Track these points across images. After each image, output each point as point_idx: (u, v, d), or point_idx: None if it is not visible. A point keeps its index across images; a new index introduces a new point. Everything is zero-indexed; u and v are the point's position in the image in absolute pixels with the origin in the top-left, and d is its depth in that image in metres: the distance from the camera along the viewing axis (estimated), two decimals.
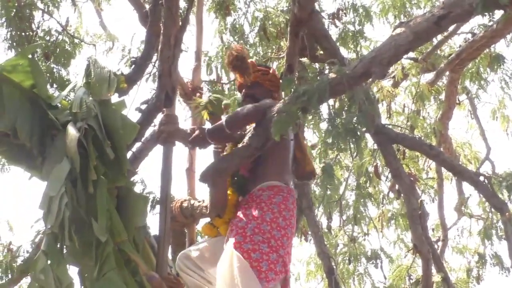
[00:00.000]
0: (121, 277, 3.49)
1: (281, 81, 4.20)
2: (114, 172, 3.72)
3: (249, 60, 4.17)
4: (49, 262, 3.45)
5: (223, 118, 3.93)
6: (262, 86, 4.19)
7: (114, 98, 4.12)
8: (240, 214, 3.82)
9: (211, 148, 4.16)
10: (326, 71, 3.76)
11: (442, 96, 8.59)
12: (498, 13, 3.53)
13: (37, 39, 7.85)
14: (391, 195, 8.08)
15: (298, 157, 4.12)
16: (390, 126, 5.87)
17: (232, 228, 3.80)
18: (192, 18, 5.16)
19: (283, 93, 4.20)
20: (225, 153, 4.12)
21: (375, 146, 6.56)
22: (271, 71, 4.27)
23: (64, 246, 3.51)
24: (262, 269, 3.59)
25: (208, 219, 4.20)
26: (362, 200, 8.00)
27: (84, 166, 3.54)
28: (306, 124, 7.14)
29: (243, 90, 4.24)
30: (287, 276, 3.78)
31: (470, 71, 8.06)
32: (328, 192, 7.67)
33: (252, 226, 3.71)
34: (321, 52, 5.75)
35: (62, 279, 3.43)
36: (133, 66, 5.28)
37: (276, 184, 3.88)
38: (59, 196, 3.45)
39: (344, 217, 8.48)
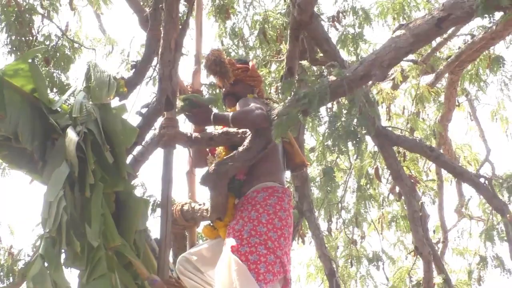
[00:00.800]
0: (110, 282, 3.46)
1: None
2: (113, 177, 3.71)
3: (227, 59, 4.18)
4: (46, 266, 3.43)
5: (230, 114, 3.91)
6: (243, 83, 4.23)
7: (115, 102, 4.12)
8: (236, 217, 3.83)
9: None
10: (326, 74, 3.75)
11: (442, 98, 8.59)
12: (498, 15, 3.52)
13: (37, 44, 7.85)
14: (392, 197, 8.08)
15: (288, 150, 4.12)
16: (390, 128, 5.86)
17: (229, 231, 3.80)
18: (192, 22, 5.15)
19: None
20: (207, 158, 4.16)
21: (376, 148, 6.57)
22: (250, 67, 4.29)
23: (63, 250, 3.50)
24: (260, 271, 3.58)
25: (208, 221, 4.20)
26: (362, 202, 8.00)
27: (83, 170, 3.53)
28: (306, 127, 7.13)
29: (224, 89, 4.27)
30: (287, 276, 3.76)
31: (469, 73, 8.06)
32: (328, 194, 7.67)
33: (249, 229, 3.70)
34: (321, 55, 5.76)
35: (59, 283, 3.42)
36: (133, 70, 5.28)
37: (271, 185, 3.89)
38: (57, 200, 3.44)
39: (344, 219, 8.48)
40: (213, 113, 3.96)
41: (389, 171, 6.05)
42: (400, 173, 5.59)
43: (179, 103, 4.07)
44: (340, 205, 8.11)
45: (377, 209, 8.71)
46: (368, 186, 7.97)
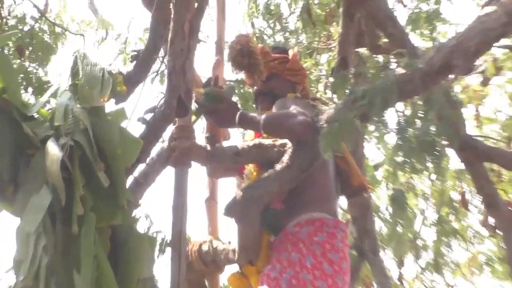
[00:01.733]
0: None
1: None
2: (108, 205, 3.72)
3: (260, 47, 4.16)
4: None
5: (263, 116, 3.87)
6: (281, 79, 4.23)
7: (111, 105, 4.15)
8: (272, 260, 3.77)
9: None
10: (392, 65, 3.74)
11: None
12: None
13: (8, 29, 7.95)
14: (484, 231, 8.04)
15: (342, 169, 4.09)
16: (480, 138, 5.84)
17: (262, 280, 3.73)
18: None
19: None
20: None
21: (461, 166, 6.54)
22: (290, 57, 4.27)
23: None
24: None
25: (236, 267, 4.19)
26: (444, 238, 7.97)
27: (68, 197, 3.54)
28: (367, 137, 7.13)
29: (255, 87, 4.26)
30: None
31: None
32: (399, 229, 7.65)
33: (288, 276, 3.62)
34: (385, 39, 5.76)
35: None
36: (135, 62, 5.33)
37: (318, 216, 3.83)
38: (35, 236, 3.45)
39: (422, 263, 8.46)
40: (239, 112, 3.92)
41: (480, 197, 6.02)
42: (494, 198, 5.57)
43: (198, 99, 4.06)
44: (415, 243, 8.08)
45: (465, 248, 8.68)
46: (451, 216, 7.95)
